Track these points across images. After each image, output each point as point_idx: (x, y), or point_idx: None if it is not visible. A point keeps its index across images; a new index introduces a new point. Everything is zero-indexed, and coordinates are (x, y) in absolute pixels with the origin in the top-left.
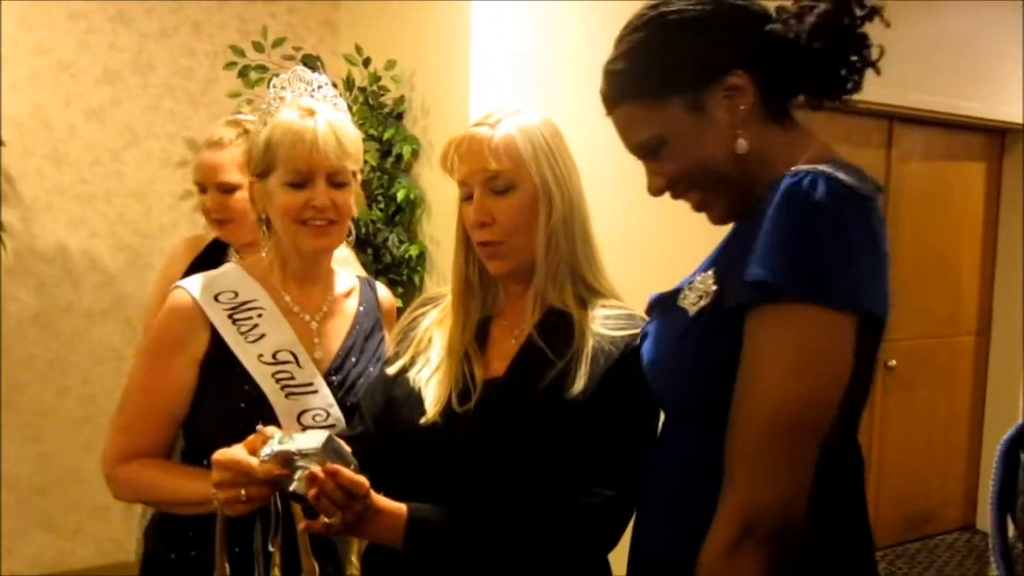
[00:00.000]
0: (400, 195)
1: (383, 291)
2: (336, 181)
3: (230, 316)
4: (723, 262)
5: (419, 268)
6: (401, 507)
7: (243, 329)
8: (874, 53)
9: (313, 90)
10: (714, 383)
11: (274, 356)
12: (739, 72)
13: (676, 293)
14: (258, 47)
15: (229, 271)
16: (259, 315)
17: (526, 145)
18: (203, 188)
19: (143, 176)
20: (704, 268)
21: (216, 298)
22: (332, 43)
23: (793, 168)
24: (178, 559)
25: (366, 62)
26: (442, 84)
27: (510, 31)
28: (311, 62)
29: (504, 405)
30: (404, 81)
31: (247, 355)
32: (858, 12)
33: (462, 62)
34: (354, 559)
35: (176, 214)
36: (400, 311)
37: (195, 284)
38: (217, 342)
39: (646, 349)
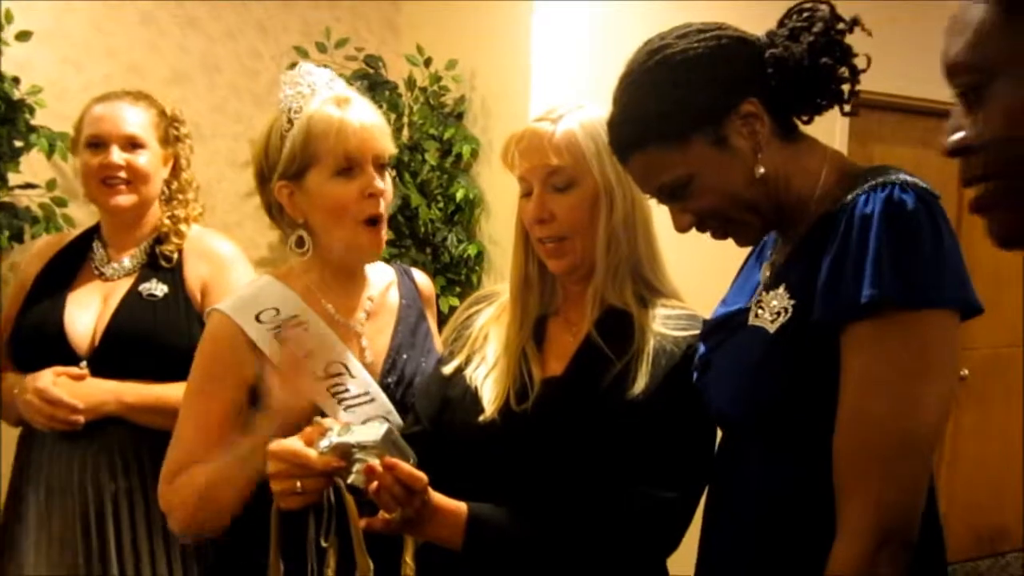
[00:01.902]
0: (459, 195)
1: (421, 277)
2: (381, 164)
3: (275, 335)
4: (794, 278)
5: (477, 268)
6: (461, 506)
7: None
8: (861, 63)
9: (327, 82)
10: (805, 399)
11: (326, 370)
12: (751, 99)
13: (738, 315)
14: (321, 48)
15: (265, 286)
16: (304, 330)
17: (587, 141)
18: (100, 143)
19: (210, 174)
20: (769, 287)
21: (257, 318)
22: (394, 44)
23: (872, 181)
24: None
25: (427, 62)
26: (502, 84)
27: (571, 30)
28: (373, 62)
29: (564, 404)
30: (464, 81)
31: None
32: (842, 26)
33: (523, 62)
34: (408, 559)
35: (240, 213)
36: (455, 310)
37: (232, 307)
38: (266, 364)
39: (717, 373)
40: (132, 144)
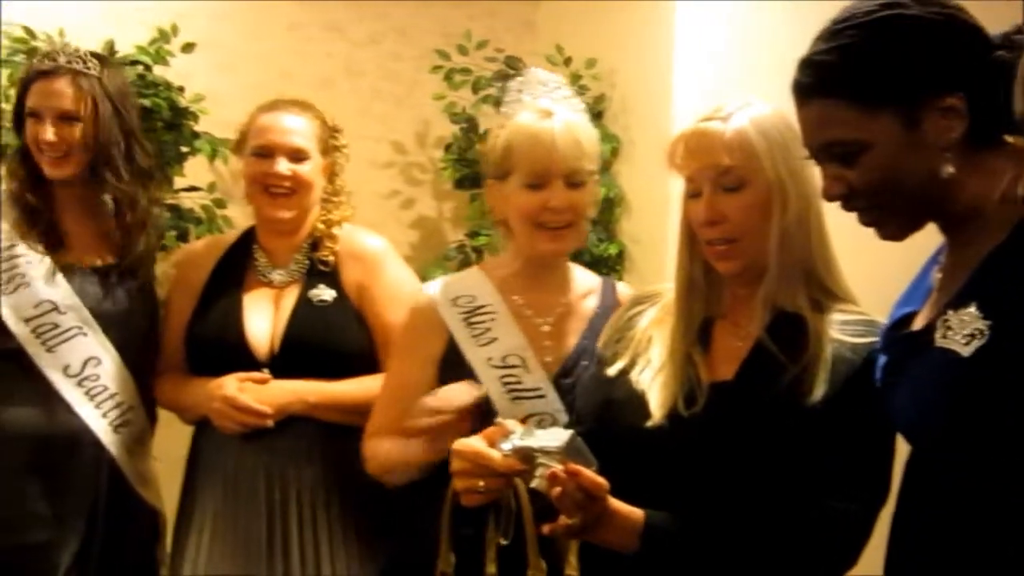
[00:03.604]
0: (600, 194)
1: (624, 290)
2: (573, 182)
3: (465, 319)
4: (987, 297)
5: (618, 267)
6: (636, 512)
7: (475, 332)
8: None
9: (550, 91)
10: (1002, 421)
11: (503, 360)
12: (959, 94)
13: (920, 334)
14: (462, 50)
15: (470, 274)
16: (492, 319)
17: (760, 139)
18: (267, 153)
19: (355, 176)
20: (955, 304)
21: (455, 301)
22: (530, 43)
23: None
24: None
25: (567, 61)
26: (643, 82)
27: (714, 28)
28: (513, 63)
29: (736, 410)
30: (604, 79)
31: (477, 358)
32: None
33: (664, 60)
34: (572, 559)
35: (383, 212)
36: None
37: (438, 287)
38: (453, 344)
39: (903, 397)
40: (297, 155)
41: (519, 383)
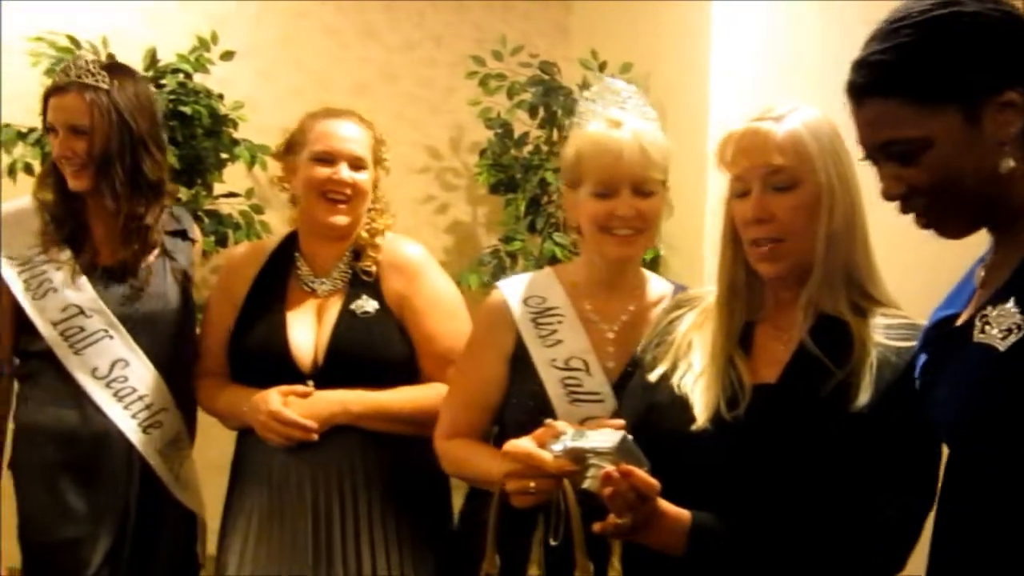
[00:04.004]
0: None
1: None
2: (641, 190)
3: (533, 320)
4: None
5: (654, 272)
6: (684, 513)
7: (543, 333)
8: None
9: (622, 101)
10: None
11: (566, 362)
12: (1019, 89)
13: (960, 330)
14: (497, 56)
15: (543, 276)
16: (559, 321)
17: (812, 142)
18: (329, 160)
19: (389, 182)
20: (994, 300)
21: (526, 301)
22: (563, 48)
23: None
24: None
25: (602, 66)
26: (679, 86)
27: (750, 31)
28: (548, 69)
29: (780, 413)
30: (639, 83)
31: (541, 358)
32: None
33: (701, 63)
34: (615, 562)
35: (417, 218)
36: None
37: (511, 286)
38: (521, 342)
39: (942, 394)
40: (357, 164)
41: (579, 386)
